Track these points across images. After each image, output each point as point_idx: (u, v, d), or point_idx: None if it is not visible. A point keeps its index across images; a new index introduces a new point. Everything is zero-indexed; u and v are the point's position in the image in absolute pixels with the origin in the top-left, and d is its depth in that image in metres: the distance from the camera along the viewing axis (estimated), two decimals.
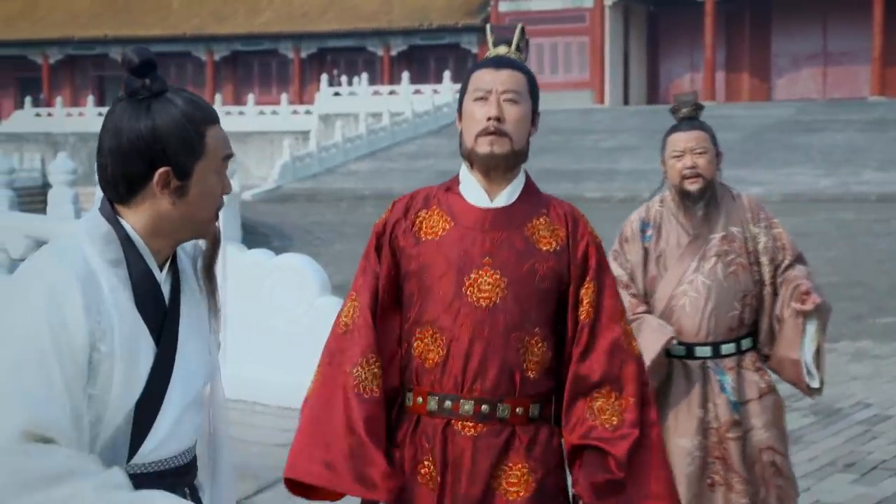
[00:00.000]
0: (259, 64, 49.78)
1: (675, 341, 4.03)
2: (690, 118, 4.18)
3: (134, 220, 2.08)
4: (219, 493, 2.34)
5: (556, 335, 2.86)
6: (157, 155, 2.04)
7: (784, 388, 4.41)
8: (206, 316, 2.22)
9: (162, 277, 2.13)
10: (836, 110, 35.83)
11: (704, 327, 4.10)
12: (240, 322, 8.04)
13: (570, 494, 2.88)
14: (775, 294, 4.14)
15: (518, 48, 2.98)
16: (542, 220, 2.87)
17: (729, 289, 4.10)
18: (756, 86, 44.12)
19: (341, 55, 48.10)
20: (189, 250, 2.23)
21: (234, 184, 19.20)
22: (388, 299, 2.89)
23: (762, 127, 33.45)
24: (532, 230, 2.85)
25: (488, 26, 3.11)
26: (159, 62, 2.08)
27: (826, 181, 26.48)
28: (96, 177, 2.13)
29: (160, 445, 2.10)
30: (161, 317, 2.10)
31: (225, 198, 2.16)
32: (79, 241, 2.06)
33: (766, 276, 4.15)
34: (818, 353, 4.10)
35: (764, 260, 4.15)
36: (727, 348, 4.12)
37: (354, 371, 2.79)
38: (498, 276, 2.80)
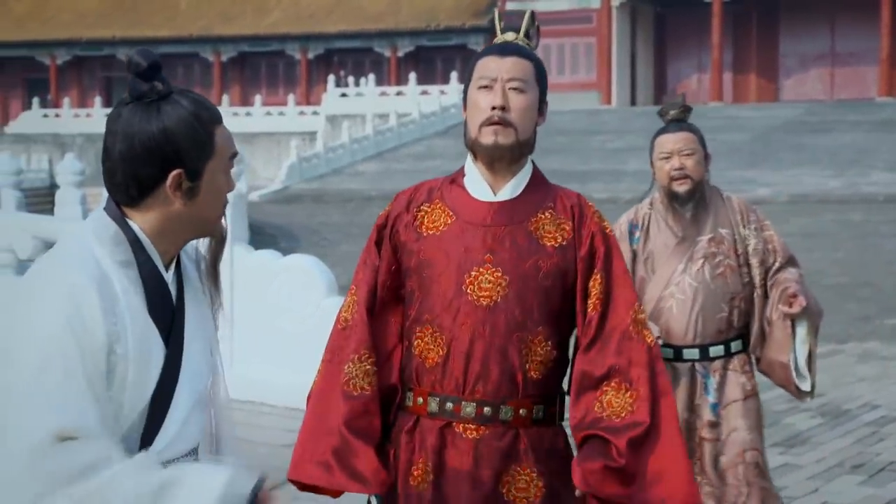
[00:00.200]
0: (266, 65, 49.83)
1: (660, 342, 4.00)
2: (678, 120, 4.18)
3: (142, 221, 2.08)
4: None
5: (561, 332, 2.76)
6: (169, 157, 2.04)
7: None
8: (209, 315, 2.22)
9: (169, 278, 2.13)
10: (844, 111, 35.76)
11: (692, 329, 4.08)
12: (247, 323, 8.05)
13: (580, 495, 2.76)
14: (766, 297, 4.13)
15: (527, 35, 2.85)
16: (547, 213, 2.76)
17: (716, 291, 4.09)
18: (763, 86, 44.07)
19: (348, 56, 48.13)
20: (190, 251, 2.23)
21: (242, 184, 19.22)
22: (388, 294, 2.82)
23: (770, 128, 33.40)
24: (537, 225, 2.74)
25: (496, 13, 2.98)
26: (166, 63, 2.09)
27: (834, 182, 26.41)
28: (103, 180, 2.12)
29: (169, 446, 2.10)
30: (169, 318, 2.10)
31: (232, 199, 2.16)
32: (88, 242, 2.05)
33: (757, 279, 4.13)
34: (810, 357, 4.08)
35: (754, 262, 4.13)
36: (715, 350, 4.10)
37: (346, 368, 2.75)
38: (499, 274, 2.69)
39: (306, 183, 31.93)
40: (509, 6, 43.44)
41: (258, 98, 44.30)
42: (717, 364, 4.10)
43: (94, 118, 43.64)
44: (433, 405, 2.74)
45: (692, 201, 4.12)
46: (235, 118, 40.59)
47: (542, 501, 2.73)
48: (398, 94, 41.19)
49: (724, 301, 4.09)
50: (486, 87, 2.73)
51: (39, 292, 1.97)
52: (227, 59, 49.25)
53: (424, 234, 2.77)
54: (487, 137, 2.72)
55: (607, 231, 2.79)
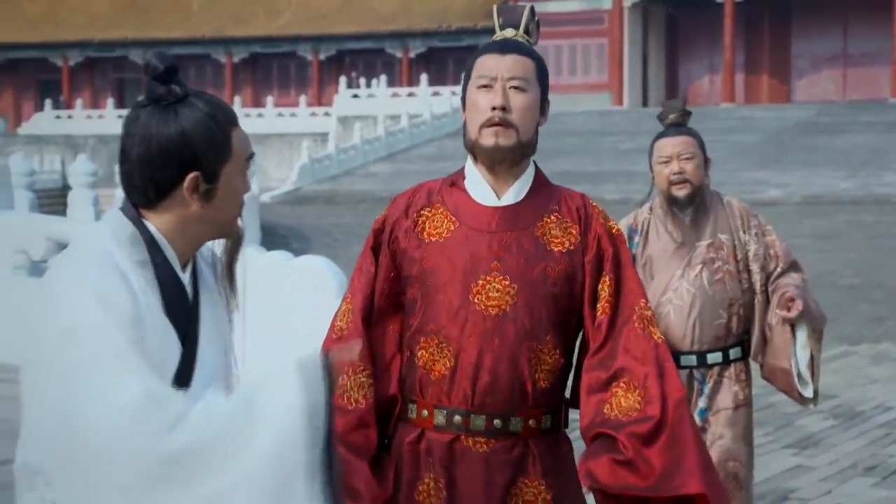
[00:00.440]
0: (278, 66, 49.92)
1: None
2: (678, 124, 4.13)
3: (159, 222, 2.08)
4: None
5: (568, 339, 2.68)
6: (187, 159, 2.04)
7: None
8: (224, 316, 2.22)
9: (186, 279, 2.13)
10: (857, 112, 35.68)
11: (689, 335, 4.05)
12: (258, 324, 8.06)
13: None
14: (767, 302, 4.08)
15: (527, 31, 2.73)
16: (553, 217, 2.66)
17: (714, 296, 4.05)
18: (775, 87, 43.97)
19: (360, 57, 48.17)
20: (206, 253, 2.23)
21: (254, 185, 19.26)
22: (386, 303, 2.71)
23: (782, 129, 33.34)
24: (543, 230, 2.65)
25: (495, 8, 2.82)
26: (178, 64, 2.09)
27: (847, 183, 26.36)
28: (119, 182, 2.12)
29: None
30: (185, 319, 2.11)
31: (244, 199, 2.17)
32: (105, 242, 2.05)
33: (757, 285, 4.09)
34: (813, 362, 4.03)
35: (754, 268, 4.09)
36: (713, 357, 4.06)
37: (339, 380, 2.60)
38: (507, 282, 2.59)
39: (318, 184, 31.99)
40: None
41: (270, 99, 44.35)
42: (714, 371, 4.07)
43: (106, 119, 43.74)
44: (440, 418, 2.64)
45: (692, 206, 4.08)
46: (247, 119, 40.64)
47: None
48: (410, 95, 41.23)
49: (722, 307, 4.06)
50: (485, 86, 2.63)
51: (62, 295, 1.95)
52: (238, 60, 49.34)
53: (426, 241, 2.67)
54: (488, 139, 2.62)
55: (613, 231, 2.72)
